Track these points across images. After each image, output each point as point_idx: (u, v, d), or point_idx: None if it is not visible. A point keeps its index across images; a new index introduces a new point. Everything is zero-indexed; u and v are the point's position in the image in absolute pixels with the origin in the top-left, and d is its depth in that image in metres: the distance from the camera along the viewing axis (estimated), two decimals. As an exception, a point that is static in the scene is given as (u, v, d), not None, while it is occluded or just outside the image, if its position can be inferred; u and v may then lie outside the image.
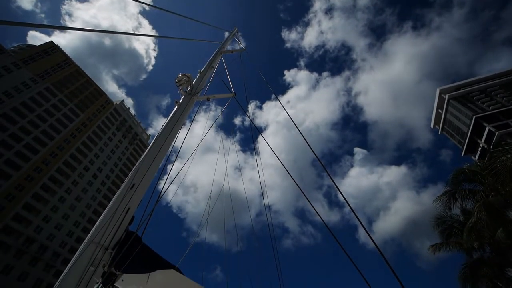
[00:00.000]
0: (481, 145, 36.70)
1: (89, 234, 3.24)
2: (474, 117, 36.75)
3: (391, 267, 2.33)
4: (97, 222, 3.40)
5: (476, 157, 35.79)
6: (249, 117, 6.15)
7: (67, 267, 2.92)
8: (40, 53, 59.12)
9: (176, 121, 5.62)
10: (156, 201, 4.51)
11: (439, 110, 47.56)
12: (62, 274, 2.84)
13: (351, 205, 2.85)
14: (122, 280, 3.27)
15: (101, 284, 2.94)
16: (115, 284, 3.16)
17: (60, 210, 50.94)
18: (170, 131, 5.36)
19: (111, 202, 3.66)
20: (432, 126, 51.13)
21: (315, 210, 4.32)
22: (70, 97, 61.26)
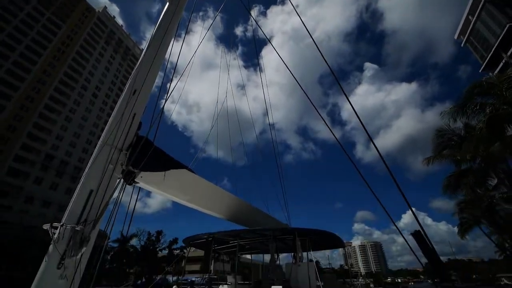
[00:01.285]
0: (504, 59, 33.79)
1: (101, 137, 3.45)
2: (508, 25, 32.21)
3: (388, 168, 2.53)
4: (107, 126, 3.55)
5: (495, 73, 33.60)
6: (251, 16, 5.14)
7: (88, 164, 3.12)
8: None
9: (172, 17, 4.84)
10: (162, 107, 4.29)
11: (469, 17, 41.45)
12: (86, 170, 3.06)
13: (359, 116, 2.81)
14: (141, 177, 3.54)
15: (122, 180, 3.22)
16: (135, 180, 3.45)
17: (69, 130, 52.89)
18: (166, 29, 4.66)
19: (116, 107, 3.69)
20: (456, 36, 45.78)
21: (324, 121, 4.05)
22: (44, 4, 53.22)
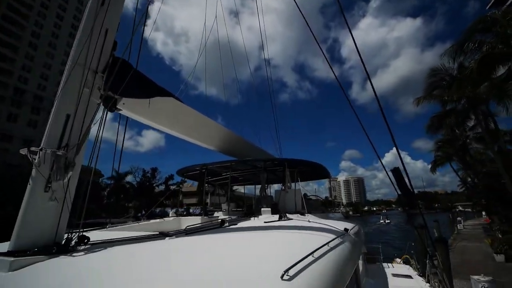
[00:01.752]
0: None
1: (70, 55, 2.91)
2: None
3: (381, 108, 2.63)
4: (75, 43, 2.96)
5: (503, 9, 31.17)
6: None
7: (60, 86, 2.80)
8: None
9: None
10: (142, 23, 3.66)
11: None
12: (58, 92, 2.74)
13: (360, 52, 2.71)
14: (123, 104, 3.20)
15: (102, 105, 2.92)
16: (117, 107, 3.13)
17: (37, 59, 47.44)
18: None
19: (83, 20, 3.08)
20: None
21: (324, 54, 3.65)
22: None
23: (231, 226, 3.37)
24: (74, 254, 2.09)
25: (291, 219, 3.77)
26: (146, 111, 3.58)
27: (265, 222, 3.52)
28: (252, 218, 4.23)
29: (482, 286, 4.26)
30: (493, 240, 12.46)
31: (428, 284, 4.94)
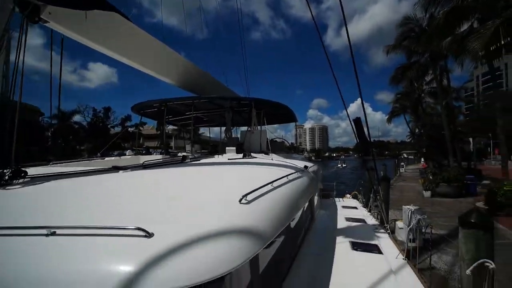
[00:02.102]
0: None
1: None
2: None
3: (353, 58, 2.75)
4: None
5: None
6: None
7: None
8: None
9: None
10: None
11: None
12: None
13: None
14: (50, 13, 2.52)
15: (17, 11, 2.26)
16: (42, 17, 2.47)
17: None
18: None
19: None
20: None
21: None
22: None
23: (193, 162, 3.29)
24: (8, 188, 1.83)
25: (255, 157, 3.81)
26: (82, 27, 2.88)
27: (229, 159, 3.50)
28: (216, 156, 4.20)
29: (409, 211, 5.14)
30: (424, 180, 14.78)
31: (369, 213, 5.79)
